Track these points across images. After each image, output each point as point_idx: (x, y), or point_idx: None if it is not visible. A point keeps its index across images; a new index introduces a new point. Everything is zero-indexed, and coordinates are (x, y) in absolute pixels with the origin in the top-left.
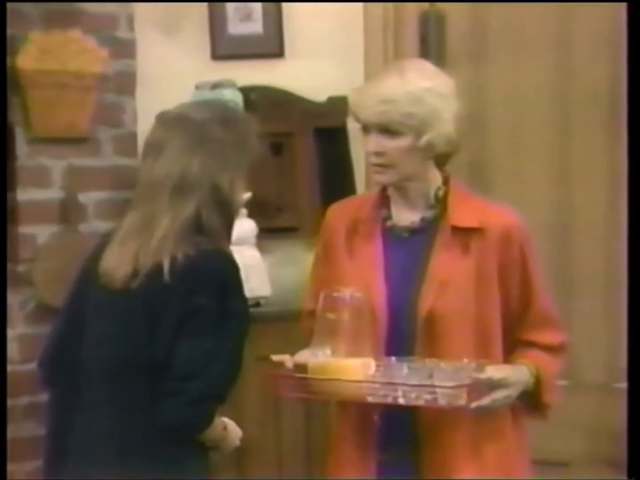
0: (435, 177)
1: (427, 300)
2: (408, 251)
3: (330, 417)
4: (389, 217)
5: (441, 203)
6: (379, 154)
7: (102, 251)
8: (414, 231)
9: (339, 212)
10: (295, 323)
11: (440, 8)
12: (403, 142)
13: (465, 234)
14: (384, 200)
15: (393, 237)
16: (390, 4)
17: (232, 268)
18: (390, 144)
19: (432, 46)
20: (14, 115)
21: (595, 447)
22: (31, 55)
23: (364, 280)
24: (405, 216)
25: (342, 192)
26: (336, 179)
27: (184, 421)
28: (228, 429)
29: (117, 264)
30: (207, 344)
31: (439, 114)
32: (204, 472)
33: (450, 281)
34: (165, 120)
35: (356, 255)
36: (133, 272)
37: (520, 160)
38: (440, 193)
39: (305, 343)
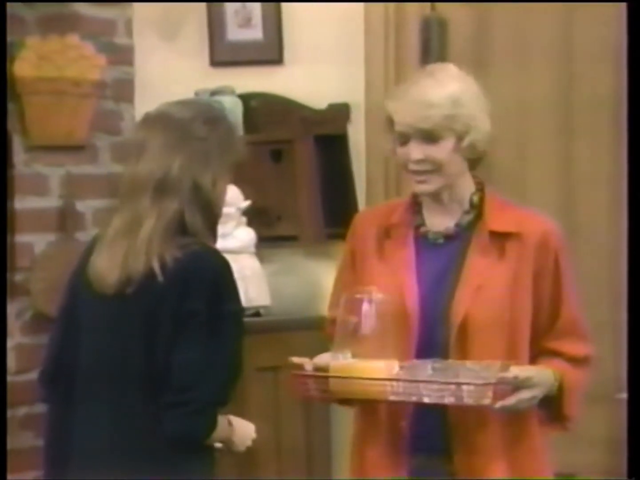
0: (469, 182)
1: (462, 305)
2: (442, 256)
3: (328, 424)
4: (422, 223)
5: (476, 209)
6: (421, 161)
7: (89, 257)
8: (448, 237)
9: (368, 218)
10: (295, 332)
11: (442, 13)
12: (446, 145)
13: (502, 239)
14: (416, 206)
15: (427, 243)
16: (391, 10)
17: (222, 267)
18: (433, 149)
19: (433, 52)
20: (11, 122)
21: (601, 458)
22: (28, 62)
23: (396, 284)
24: (439, 222)
25: (343, 200)
26: (336, 187)
27: (187, 432)
28: (235, 427)
29: (107, 270)
30: (203, 351)
31: (477, 114)
32: (210, 474)
33: (486, 286)
34: (147, 119)
35: (387, 260)
36: (124, 277)
37: (524, 167)
38: (476, 198)
39: (308, 352)
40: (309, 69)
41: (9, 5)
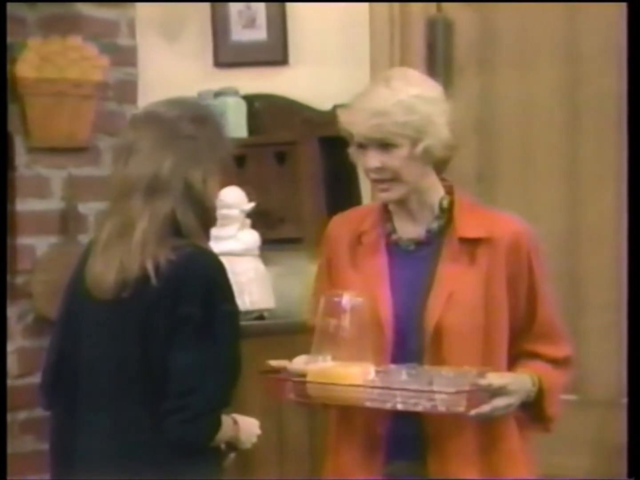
0: (437, 187)
1: (434, 312)
2: (414, 264)
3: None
4: (393, 230)
5: (446, 213)
6: (379, 169)
7: (86, 262)
8: (419, 243)
9: (341, 224)
10: (299, 335)
11: (448, 14)
12: (401, 152)
13: (472, 245)
14: (386, 214)
15: (398, 251)
16: (396, 11)
17: (215, 268)
18: (389, 157)
19: (439, 53)
20: (13, 124)
21: (603, 463)
22: (30, 63)
23: (369, 293)
24: (409, 229)
25: (348, 202)
26: (341, 189)
27: (187, 438)
28: (240, 424)
29: (102, 274)
30: (199, 354)
31: (432, 119)
32: (216, 476)
33: (458, 293)
34: (135, 120)
35: (361, 268)
36: (120, 281)
37: (529, 169)
38: (445, 203)
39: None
40: (313, 70)
41: (10, 5)
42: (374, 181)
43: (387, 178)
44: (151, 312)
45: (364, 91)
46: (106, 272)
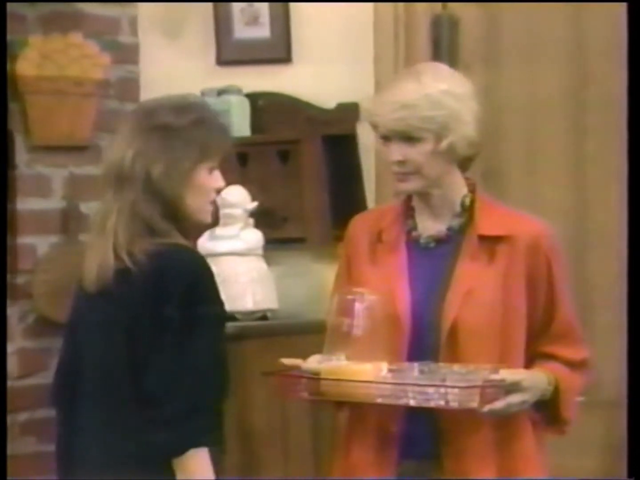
0: (461, 185)
1: (452, 310)
2: (434, 261)
3: (337, 431)
4: (414, 227)
5: (468, 211)
6: (401, 162)
7: None
8: (440, 241)
9: (361, 223)
10: (303, 336)
11: (453, 11)
12: (424, 147)
13: (492, 243)
14: (408, 210)
15: (419, 248)
16: (401, 8)
17: (193, 268)
18: (412, 151)
19: (444, 50)
20: (13, 122)
21: (610, 464)
22: (30, 61)
23: (388, 289)
24: (430, 226)
25: (352, 201)
26: (345, 188)
27: (172, 447)
28: None
29: (88, 269)
30: (174, 360)
31: (459, 116)
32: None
33: (476, 291)
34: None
35: (380, 265)
36: (101, 278)
37: (535, 166)
38: (467, 201)
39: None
40: (317, 68)
41: (10, 4)
42: (395, 173)
43: (408, 171)
44: (132, 312)
45: (392, 84)
46: (90, 267)
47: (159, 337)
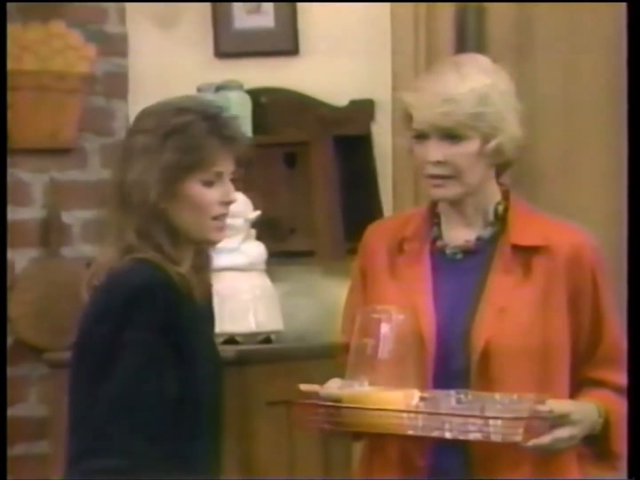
0: (495, 191)
1: (484, 329)
2: (461, 274)
3: (349, 465)
4: (439, 236)
5: (501, 220)
6: (440, 163)
7: None
8: (468, 252)
9: (379, 232)
10: (312, 361)
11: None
12: (470, 147)
13: (528, 254)
14: (433, 217)
15: (444, 259)
16: None
17: (131, 284)
18: (455, 151)
19: (470, 42)
20: None
21: None
22: (8, 53)
23: (410, 305)
24: (458, 235)
25: (366, 210)
26: (358, 195)
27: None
28: None
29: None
30: (91, 388)
31: (507, 114)
32: None
33: (510, 308)
34: None
35: (401, 278)
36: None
37: (572, 165)
38: (500, 209)
39: (325, 383)
40: (327, 61)
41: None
42: (430, 176)
43: (447, 174)
44: (79, 332)
45: (432, 74)
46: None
47: (81, 364)
